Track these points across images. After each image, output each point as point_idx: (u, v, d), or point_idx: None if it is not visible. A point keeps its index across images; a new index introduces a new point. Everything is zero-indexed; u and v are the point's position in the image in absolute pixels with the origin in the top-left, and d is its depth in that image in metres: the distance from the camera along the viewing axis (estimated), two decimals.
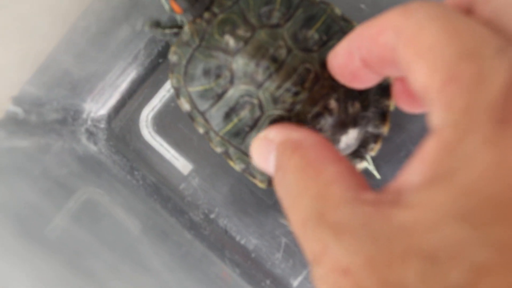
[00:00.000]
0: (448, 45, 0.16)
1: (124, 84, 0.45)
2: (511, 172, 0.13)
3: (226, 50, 0.32)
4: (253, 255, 0.44)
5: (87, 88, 0.43)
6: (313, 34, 0.32)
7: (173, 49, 0.34)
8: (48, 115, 0.39)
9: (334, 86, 0.30)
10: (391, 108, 0.33)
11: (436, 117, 0.16)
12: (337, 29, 0.33)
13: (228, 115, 0.32)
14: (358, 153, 0.34)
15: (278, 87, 0.30)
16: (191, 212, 0.45)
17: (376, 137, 0.34)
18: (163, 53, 0.46)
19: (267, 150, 0.25)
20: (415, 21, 0.18)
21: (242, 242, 0.44)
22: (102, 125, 0.45)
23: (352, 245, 0.15)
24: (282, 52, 0.31)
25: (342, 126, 0.31)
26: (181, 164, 0.45)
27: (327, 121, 0.31)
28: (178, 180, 0.45)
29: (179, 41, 0.33)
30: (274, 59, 0.31)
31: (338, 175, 0.18)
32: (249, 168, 0.34)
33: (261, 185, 0.35)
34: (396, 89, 0.28)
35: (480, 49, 0.16)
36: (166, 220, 0.42)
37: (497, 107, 0.14)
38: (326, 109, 0.31)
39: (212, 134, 0.34)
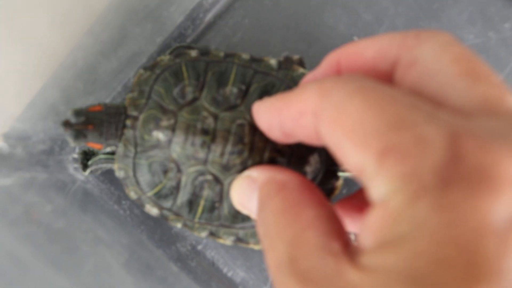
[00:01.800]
0: (375, 118, 0.16)
1: None
2: (462, 235, 0.13)
3: (160, 145, 0.32)
4: None
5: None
6: (231, 89, 0.32)
7: (116, 166, 0.34)
8: (34, 147, 0.39)
9: None
10: None
11: (377, 189, 0.15)
12: (252, 72, 0.33)
13: (193, 201, 0.33)
14: (330, 173, 0.33)
15: (222, 154, 0.31)
16: (178, 243, 0.44)
17: None
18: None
19: (250, 189, 0.25)
20: (333, 101, 0.17)
21: (229, 274, 0.44)
22: (90, 152, 0.45)
23: None
24: (210, 122, 0.31)
25: (300, 158, 0.31)
26: None
27: (283, 162, 0.31)
28: None
29: (118, 156, 0.34)
30: (205, 132, 0.31)
31: (315, 220, 0.18)
32: (239, 238, 0.34)
33: (257, 247, 0.35)
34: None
35: (409, 117, 0.15)
36: (151, 252, 0.42)
37: (442, 170, 0.14)
38: (277, 152, 0.31)
39: (189, 224, 0.34)
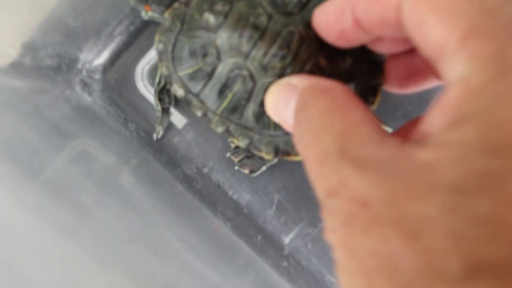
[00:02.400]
0: (467, 1, 0.15)
1: (120, 36, 0.45)
2: None
3: (208, 28, 0.32)
4: (245, 210, 0.44)
5: (83, 36, 0.43)
6: None
7: (157, 37, 0.34)
8: (42, 60, 0.39)
9: (321, 45, 0.29)
10: (384, 58, 0.33)
11: (457, 68, 0.15)
12: None
13: (222, 92, 0.33)
14: None
15: (265, 54, 0.30)
16: (184, 166, 0.45)
17: (374, 89, 0.33)
18: None
19: (287, 94, 0.24)
20: None
21: (235, 197, 0.44)
22: (97, 76, 0.45)
23: (373, 179, 0.15)
24: (263, 19, 0.31)
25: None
26: (176, 117, 0.45)
27: None
28: (172, 133, 0.45)
29: (162, 29, 0.33)
30: (256, 27, 0.30)
31: (365, 119, 0.18)
32: (253, 142, 0.34)
33: (268, 156, 0.35)
34: (389, 67, 0.27)
35: (503, 7, 0.15)
36: (158, 171, 0.42)
37: None
38: (317, 68, 0.31)
39: (210, 115, 0.34)
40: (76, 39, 0.42)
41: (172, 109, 0.45)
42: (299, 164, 0.44)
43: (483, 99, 0.14)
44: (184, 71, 0.33)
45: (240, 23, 0.31)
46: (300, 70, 0.30)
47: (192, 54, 0.32)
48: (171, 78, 0.34)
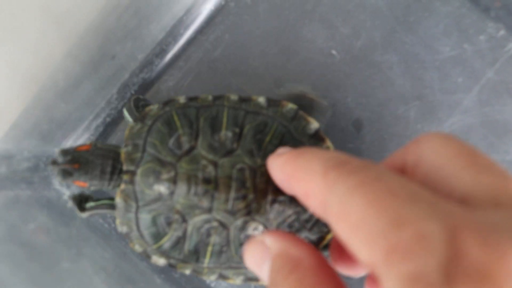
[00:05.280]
0: (376, 216, 0.16)
1: (98, 128, 0.46)
2: None
3: (162, 198, 0.32)
4: None
5: (59, 135, 0.44)
6: (225, 133, 0.32)
7: (118, 221, 0.34)
8: (18, 165, 0.40)
9: None
10: None
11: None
12: (243, 113, 0.33)
13: (201, 248, 0.33)
14: None
15: (226, 200, 0.31)
16: None
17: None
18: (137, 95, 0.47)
19: (261, 256, 0.24)
20: (338, 196, 0.18)
21: (213, 284, 0.45)
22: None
23: None
24: (210, 170, 0.31)
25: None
26: None
27: (286, 200, 0.31)
28: None
29: (119, 211, 0.34)
30: (207, 181, 0.31)
31: None
32: (249, 277, 0.35)
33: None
34: (333, 247, 0.26)
35: (408, 213, 0.16)
36: (135, 265, 0.43)
37: (445, 268, 0.15)
38: (278, 192, 0.31)
39: (198, 269, 0.34)
40: (52, 139, 0.43)
41: None
42: None
43: None
44: (157, 244, 0.33)
45: (191, 182, 0.31)
46: (264, 201, 0.31)
47: (158, 226, 0.33)
48: (147, 252, 0.34)
